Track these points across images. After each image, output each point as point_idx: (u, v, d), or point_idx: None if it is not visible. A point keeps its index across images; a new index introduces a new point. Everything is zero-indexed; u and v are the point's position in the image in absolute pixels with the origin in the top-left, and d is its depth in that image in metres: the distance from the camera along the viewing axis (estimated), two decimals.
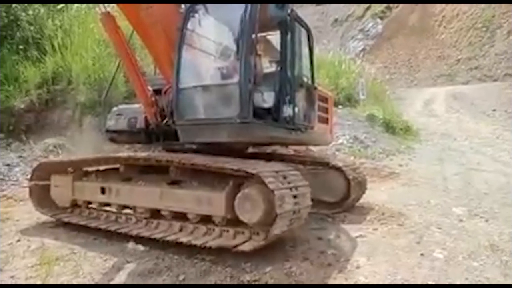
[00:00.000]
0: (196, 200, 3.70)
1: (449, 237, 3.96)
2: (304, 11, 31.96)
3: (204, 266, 3.35)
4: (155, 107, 4.25)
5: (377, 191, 6.10)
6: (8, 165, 7.58)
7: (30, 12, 10.40)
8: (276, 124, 4.13)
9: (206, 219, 3.71)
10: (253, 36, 3.75)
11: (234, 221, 3.50)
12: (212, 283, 3.07)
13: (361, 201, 5.27)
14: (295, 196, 3.34)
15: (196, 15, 4.03)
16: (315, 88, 4.93)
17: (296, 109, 4.25)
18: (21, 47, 9.88)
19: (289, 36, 4.16)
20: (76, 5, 11.83)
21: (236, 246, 3.32)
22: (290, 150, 7.03)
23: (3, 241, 4.05)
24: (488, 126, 12.43)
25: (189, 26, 4.00)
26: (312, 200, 4.83)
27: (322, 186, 4.91)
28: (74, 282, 3.16)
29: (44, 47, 9.68)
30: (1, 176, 7.13)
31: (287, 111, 4.12)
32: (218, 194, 3.57)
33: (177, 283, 3.10)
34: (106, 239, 4.04)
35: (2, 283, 3.24)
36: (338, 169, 4.74)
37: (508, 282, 3.00)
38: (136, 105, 4.66)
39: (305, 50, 4.78)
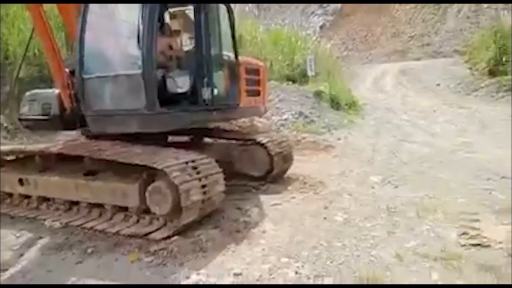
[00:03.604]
0: (111, 192, 3.77)
1: (355, 203, 4.30)
2: None
3: (117, 239, 3.49)
4: (71, 89, 4.19)
5: (308, 163, 6.41)
6: None
7: None
8: (194, 108, 4.20)
9: (123, 207, 3.81)
10: (155, 23, 3.72)
11: (149, 209, 3.60)
12: (119, 254, 3.23)
13: (290, 172, 5.53)
14: (204, 186, 3.50)
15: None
16: (239, 64, 5.02)
17: (216, 90, 4.33)
18: None
19: (203, 16, 4.19)
20: None
21: (148, 233, 3.46)
22: (233, 125, 7.17)
23: None
24: (429, 100, 13.10)
25: (90, 12, 3.91)
26: (241, 174, 5.13)
27: (250, 161, 5.16)
28: None
29: None
30: None
31: (206, 93, 4.20)
32: (131, 186, 3.64)
33: (85, 255, 3.23)
34: (24, 218, 4.08)
35: None
36: (262, 145, 4.94)
37: (391, 239, 3.34)
38: (48, 90, 4.54)
39: (226, 27, 4.83)
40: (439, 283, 2.67)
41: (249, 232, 3.57)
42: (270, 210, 4.15)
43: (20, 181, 4.29)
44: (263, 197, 4.59)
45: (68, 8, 4.34)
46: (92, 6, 3.95)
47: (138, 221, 3.73)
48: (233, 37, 5.01)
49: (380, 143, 7.78)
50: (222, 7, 4.78)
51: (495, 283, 2.64)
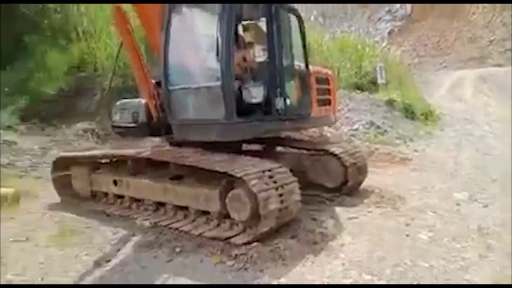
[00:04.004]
0: (194, 196, 4.01)
1: (440, 220, 4.06)
2: None
3: (200, 240, 3.68)
4: (157, 99, 4.51)
5: (384, 175, 6.18)
6: (43, 148, 8.27)
7: None
8: (268, 117, 4.32)
9: (205, 211, 4.01)
10: (232, 38, 3.94)
11: (229, 214, 3.74)
12: (203, 255, 3.40)
13: (364, 184, 5.39)
14: (281, 195, 3.57)
15: (177, 16, 4.23)
16: (310, 73, 5.06)
17: (288, 100, 4.42)
18: (48, 34, 10.48)
19: (275, 27, 4.32)
20: None
21: (229, 238, 3.60)
22: (303, 135, 7.18)
23: (31, 217, 4.58)
24: None
25: (172, 27, 4.20)
26: (314, 184, 5.10)
27: (323, 172, 5.12)
28: (85, 252, 3.59)
29: (70, 35, 10.23)
30: (36, 159, 7.81)
31: (279, 103, 4.31)
32: (212, 192, 3.84)
33: (174, 254, 3.45)
34: (118, 216, 4.49)
35: (31, 245, 3.74)
36: (336, 155, 4.89)
37: (484, 263, 3.10)
38: (136, 100, 4.91)
39: (297, 37, 4.90)
40: None
41: (327, 244, 3.55)
42: (347, 223, 4.08)
43: (115, 182, 4.73)
44: (338, 209, 4.53)
45: (152, 23, 4.65)
46: (174, 21, 4.25)
47: (219, 225, 3.90)
48: (304, 46, 5.08)
49: (462, 156, 7.27)
50: (293, 17, 4.87)
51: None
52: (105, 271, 3.24)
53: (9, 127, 8.78)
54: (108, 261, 3.40)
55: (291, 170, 3.98)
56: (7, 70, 9.99)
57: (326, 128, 8.02)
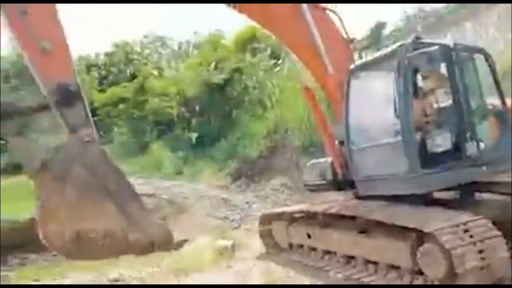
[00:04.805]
0: (383, 250, 4.05)
1: None
2: None
3: None
4: (341, 157, 4.92)
5: None
6: (247, 202, 9.87)
7: (254, 78, 13.42)
8: (460, 164, 4.09)
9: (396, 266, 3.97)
10: (410, 92, 4.04)
11: (421, 270, 3.60)
12: None
13: None
14: (480, 251, 3.25)
15: (356, 80, 4.61)
16: (508, 109, 4.49)
17: (482, 143, 4.09)
18: (249, 107, 12.84)
19: (457, 70, 4.15)
20: (287, 65, 14.40)
21: None
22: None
23: (244, 266, 5.50)
24: None
25: (351, 92, 4.61)
26: None
27: None
28: None
29: (265, 104, 12.20)
30: (244, 213, 9.32)
31: (470, 148, 4.04)
32: (401, 247, 3.79)
33: None
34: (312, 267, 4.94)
35: None
36: None
37: None
38: (322, 160, 5.42)
39: (485, 73, 4.51)
40: None
41: None
42: None
43: (308, 235, 5.25)
44: None
45: (333, 93, 5.18)
46: (353, 85, 4.66)
47: (412, 281, 3.77)
48: (496, 81, 4.62)
49: None
50: (478, 57, 4.55)
51: None
52: None
53: (223, 186, 10.90)
54: None
55: (493, 223, 3.54)
56: (221, 141, 12.65)
57: None
